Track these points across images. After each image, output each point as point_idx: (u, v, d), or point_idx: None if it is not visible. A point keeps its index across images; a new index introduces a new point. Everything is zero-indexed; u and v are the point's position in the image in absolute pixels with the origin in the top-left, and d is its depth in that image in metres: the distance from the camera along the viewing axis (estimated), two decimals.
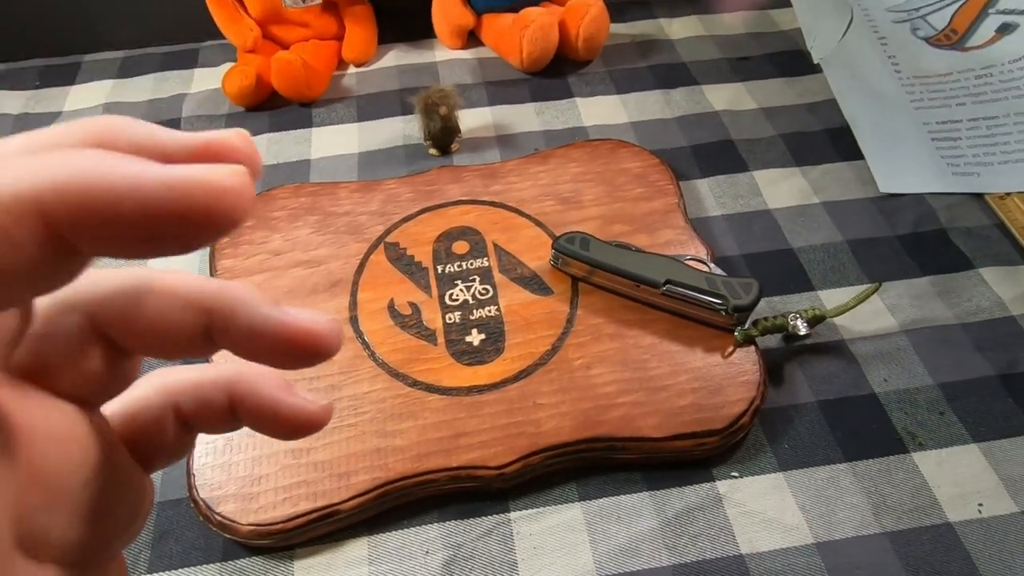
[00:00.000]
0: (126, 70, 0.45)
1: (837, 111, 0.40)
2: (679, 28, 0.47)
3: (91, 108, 0.43)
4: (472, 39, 0.46)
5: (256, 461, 0.25)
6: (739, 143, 0.39)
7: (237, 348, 0.11)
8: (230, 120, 0.41)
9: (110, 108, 0.42)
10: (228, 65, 0.44)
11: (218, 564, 0.25)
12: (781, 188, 0.37)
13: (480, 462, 0.25)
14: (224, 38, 0.45)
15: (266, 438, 0.24)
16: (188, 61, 0.46)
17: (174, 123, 0.41)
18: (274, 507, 0.24)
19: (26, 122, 0.42)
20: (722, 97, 0.42)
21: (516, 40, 0.42)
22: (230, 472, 0.25)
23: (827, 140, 0.39)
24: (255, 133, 0.40)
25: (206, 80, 0.44)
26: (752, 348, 0.28)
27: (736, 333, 0.28)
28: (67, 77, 0.45)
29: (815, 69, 0.43)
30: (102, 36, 0.46)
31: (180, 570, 0.24)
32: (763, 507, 0.25)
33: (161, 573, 0.24)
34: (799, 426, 0.27)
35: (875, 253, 0.33)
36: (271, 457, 0.26)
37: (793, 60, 0.44)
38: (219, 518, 0.24)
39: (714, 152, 0.38)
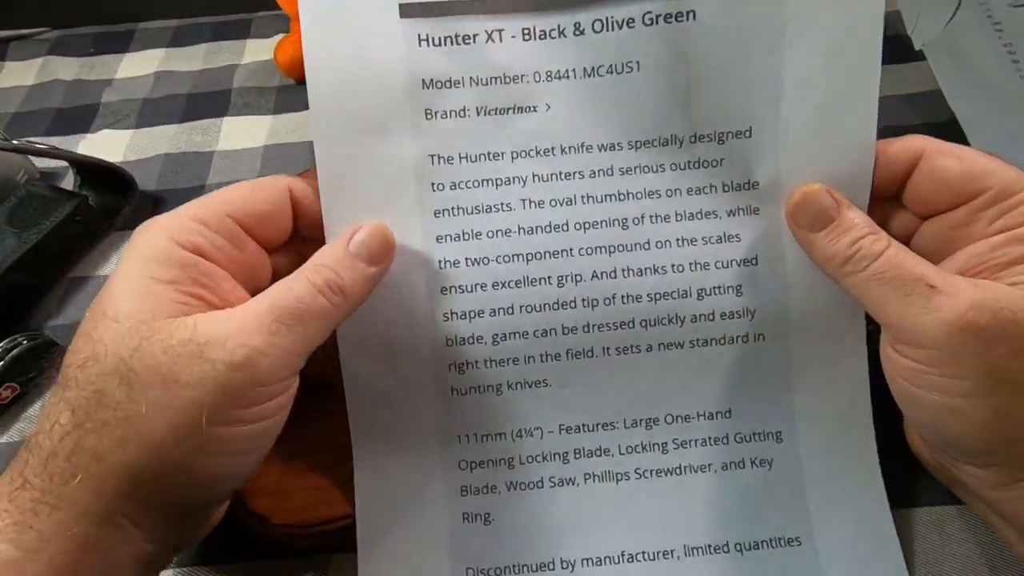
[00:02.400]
0: (178, 39, 0.44)
1: (942, 104, 0.36)
2: None
3: (143, 76, 0.42)
4: None
5: (297, 454, 0.24)
6: None
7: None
8: (281, 92, 0.40)
9: (161, 77, 0.41)
10: (280, 36, 0.43)
11: (246, 564, 0.23)
12: None
13: None
14: (277, 8, 0.44)
15: (304, 433, 0.22)
16: (240, 31, 0.44)
17: (225, 94, 0.40)
18: (310, 508, 0.23)
19: (79, 88, 0.41)
20: None
21: None
22: (265, 466, 0.23)
23: (930, 135, 0.35)
24: (305, 107, 0.38)
25: (258, 51, 0.43)
26: None
27: None
28: (120, 45, 0.44)
29: (916, 56, 0.38)
30: (154, 4, 0.45)
31: (206, 567, 0.23)
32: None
33: (186, 568, 0.23)
34: (900, 459, 0.24)
35: None
36: (311, 454, 0.24)
37: (890, 46, 0.38)
38: (249, 514, 0.22)
39: None
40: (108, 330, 0.16)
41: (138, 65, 0.42)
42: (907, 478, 0.23)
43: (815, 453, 0.21)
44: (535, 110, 0.20)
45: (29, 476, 0.16)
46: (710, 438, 0.22)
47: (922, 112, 0.36)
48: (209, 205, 0.19)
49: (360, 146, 0.20)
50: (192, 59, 0.43)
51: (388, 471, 0.22)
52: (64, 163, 0.35)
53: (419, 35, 0.20)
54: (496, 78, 0.20)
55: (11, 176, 0.33)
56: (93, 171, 0.33)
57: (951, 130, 0.34)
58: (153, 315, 0.16)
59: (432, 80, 0.20)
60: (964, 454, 0.19)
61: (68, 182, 0.35)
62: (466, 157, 0.21)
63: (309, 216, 0.20)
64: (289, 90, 0.40)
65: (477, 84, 0.20)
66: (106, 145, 0.37)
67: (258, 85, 0.40)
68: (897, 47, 0.39)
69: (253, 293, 0.19)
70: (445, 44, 0.20)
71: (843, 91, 0.20)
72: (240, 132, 0.38)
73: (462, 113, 0.20)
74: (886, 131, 0.35)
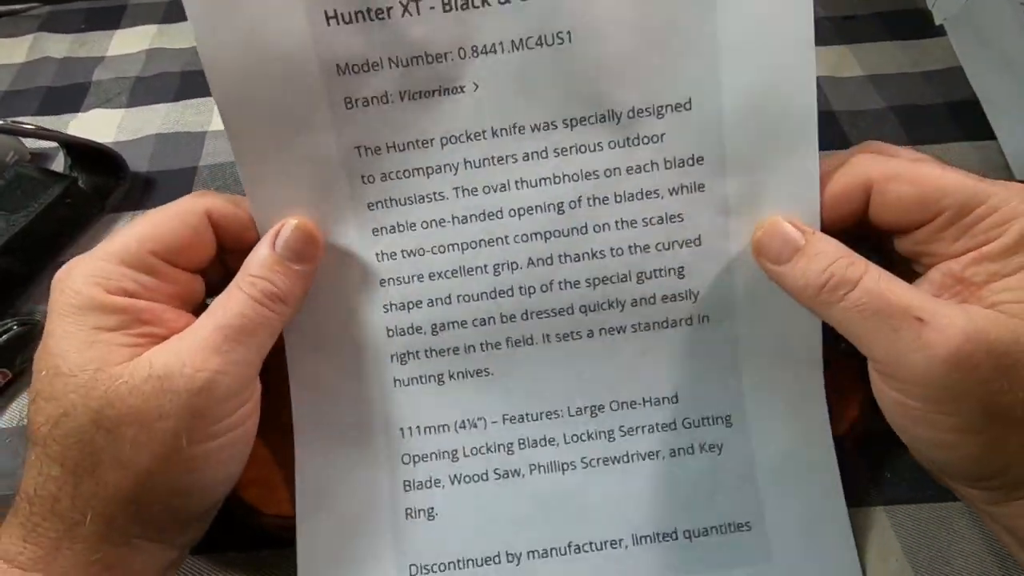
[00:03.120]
0: (170, 15, 0.43)
1: (961, 82, 0.34)
2: None
3: (135, 53, 0.41)
4: None
5: (286, 444, 0.23)
6: (841, 115, 0.34)
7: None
8: None
9: (153, 54, 0.40)
10: None
11: (236, 553, 0.23)
12: None
13: None
14: None
15: (292, 424, 0.22)
16: None
17: None
18: None
19: (70, 66, 0.40)
20: (822, 62, 0.36)
21: None
22: (253, 457, 0.23)
23: (948, 115, 0.33)
24: None
25: None
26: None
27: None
28: (112, 21, 0.43)
29: (936, 32, 0.37)
30: None
31: (196, 556, 0.23)
32: (860, 547, 0.21)
33: None
34: (907, 452, 0.23)
35: None
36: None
37: (908, 20, 0.38)
38: (239, 505, 0.22)
39: None
40: (69, 385, 0.17)
41: (130, 42, 0.41)
42: (912, 474, 0.23)
43: (766, 437, 0.21)
44: (462, 91, 0.19)
45: (38, 521, 0.17)
46: (657, 424, 0.21)
47: (941, 90, 0.34)
48: (129, 246, 0.18)
49: (279, 142, 0.19)
50: (184, 36, 0.41)
51: (331, 466, 0.21)
52: (54, 144, 0.35)
53: (326, 11, 0.18)
54: (417, 57, 0.19)
55: (1, 157, 0.33)
56: (83, 152, 0.32)
57: (971, 109, 0.33)
58: (107, 362, 0.17)
59: (348, 64, 0.19)
60: (955, 479, 0.19)
61: (59, 163, 0.34)
62: (394, 147, 0.20)
63: (232, 233, 0.20)
64: None
65: (397, 65, 0.19)
66: (97, 124, 0.37)
67: None
68: (916, 21, 0.37)
69: (194, 311, 0.19)
70: (357, 20, 0.18)
71: (780, 59, 0.19)
72: None
73: (384, 99, 0.19)
74: (905, 109, 0.34)
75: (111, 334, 0.17)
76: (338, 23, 0.18)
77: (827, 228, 0.19)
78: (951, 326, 0.16)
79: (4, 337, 0.27)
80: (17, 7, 0.44)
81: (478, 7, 0.18)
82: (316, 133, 0.19)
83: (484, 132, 0.19)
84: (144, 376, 0.17)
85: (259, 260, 0.19)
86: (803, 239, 0.18)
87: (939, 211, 0.18)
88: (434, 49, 0.19)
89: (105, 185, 0.33)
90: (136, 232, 0.19)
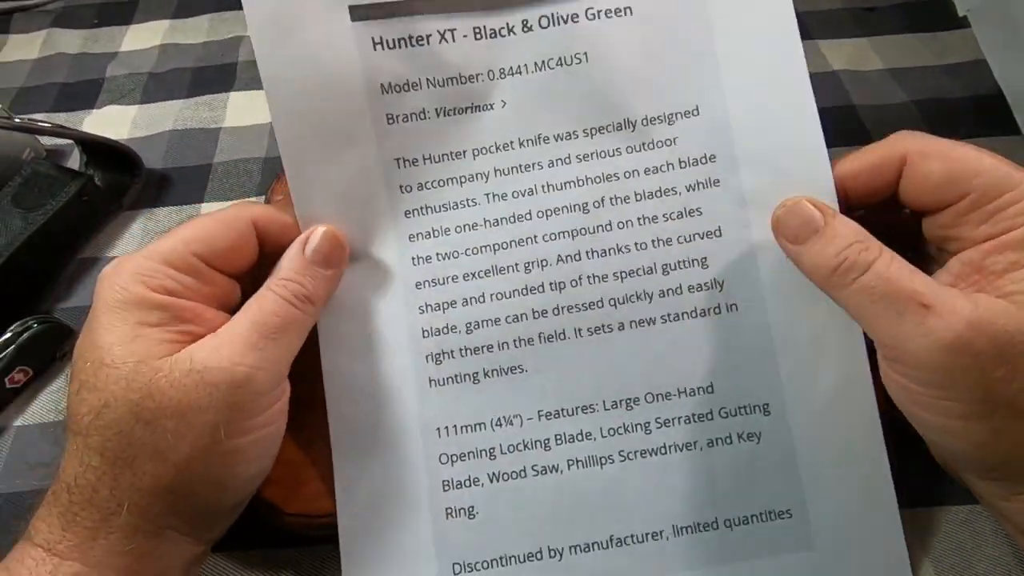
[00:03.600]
0: (182, 9, 0.43)
1: (986, 75, 0.33)
2: None
3: (147, 49, 0.40)
4: None
5: (309, 444, 0.23)
6: (862, 109, 0.33)
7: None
8: None
9: (166, 49, 0.40)
10: None
11: (257, 551, 0.23)
12: None
13: None
14: None
15: (315, 423, 0.22)
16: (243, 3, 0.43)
17: (230, 67, 0.39)
18: (321, 497, 0.22)
19: (83, 62, 0.40)
20: (842, 54, 0.36)
21: None
22: (277, 455, 0.23)
23: (972, 109, 0.33)
24: None
25: None
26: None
27: None
28: (124, 16, 0.43)
29: (959, 23, 0.36)
30: None
31: (218, 553, 0.23)
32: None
33: None
34: (927, 453, 0.23)
35: None
36: (322, 444, 0.23)
37: (930, 11, 0.37)
38: (261, 503, 0.22)
39: (831, 119, 0.31)
40: (111, 376, 0.17)
41: (143, 37, 0.41)
42: (934, 476, 0.22)
43: (807, 423, 0.21)
44: (492, 107, 0.21)
45: (77, 511, 0.18)
46: (693, 415, 0.21)
47: (964, 84, 0.34)
48: (176, 247, 0.19)
49: (327, 156, 0.21)
50: (196, 31, 0.41)
51: (370, 468, 0.21)
52: (69, 141, 0.35)
53: (372, 38, 0.20)
54: (452, 78, 0.21)
55: (16, 154, 0.33)
56: (99, 149, 0.32)
57: (996, 103, 0.32)
58: (149, 355, 0.18)
59: (391, 84, 0.21)
60: (963, 467, 0.19)
61: (74, 160, 0.34)
62: (430, 158, 0.21)
63: (275, 243, 0.21)
64: None
65: (434, 85, 0.21)
66: (112, 121, 0.37)
67: None
68: (938, 13, 0.37)
69: (229, 312, 0.20)
70: (399, 46, 0.21)
71: (773, 60, 0.21)
72: (246, 108, 0.37)
73: (422, 115, 0.21)
74: (928, 104, 0.34)
75: (153, 329, 0.18)
76: (383, 48, 0.21)
77: (860, 201, 0.20)
78: (954, 313, 0.16)
79: (25, 335, 0.27)
80: (30, 2, 0.44)
81: (505, 35, 0.21)
82: (360, 146, 0.21)
83: (512, 143, 0.22)
84: (185, 370, 0.17)
85: (290, 264, 0.20)
86: (823, 220, 0.19)
87: (966, 192, 0.18)
88: (467, 71, 0.21)
89: (121, 182, 0.33)
90: (182, 235, 0.20)
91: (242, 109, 0.36)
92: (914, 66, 0.35)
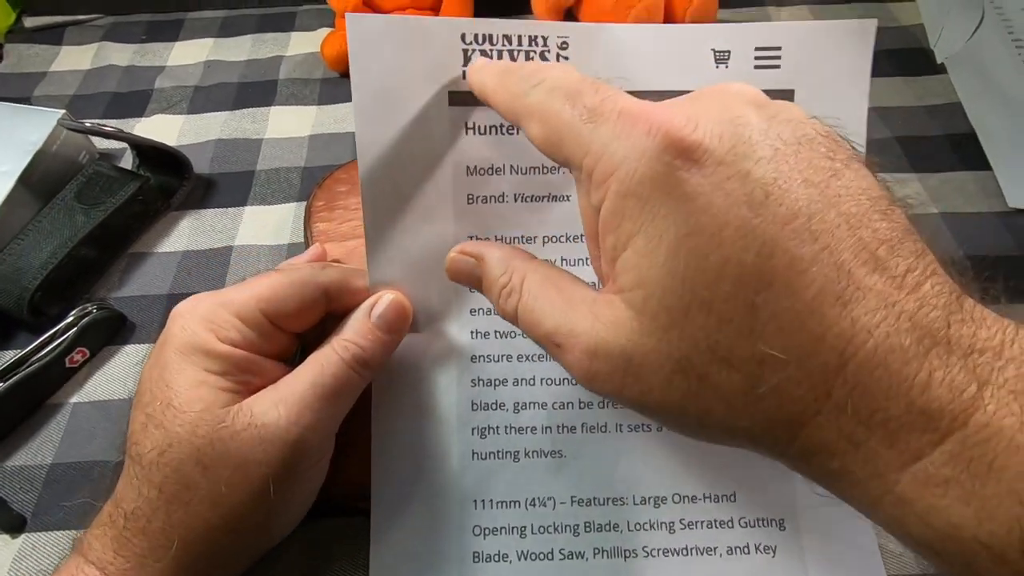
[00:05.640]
0: (226, 29, 0.46)
1: (961, 117, 0.37)
2: (788, 17, 0.44)
3: (193, 64, 0.43)
4: (569, 17, 0.45)
5: (352, 424, 0.25)
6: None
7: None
8: (325, 84, 0.42)
9: (211, 65, 0.43)
10: (324, 30, 0.45)
11: (308, 523, 0.25)
12: (895, 193, 0.34)
13: None
14: (321, 2, 0.45)
15: (363, 404, 0.24)
16: (285, 24, 0.46)
17: (271, 84, 0.42)
18: (365, 474, 0.24)
19: (133, 74, 0.43)
20: None
21: (619, 21, 0.40)
22: None
23: (948, 147, 0.36)
24: (348, 99, 0.40)
25: (302, 44, 0.44)
26: None
27: None
28: (171, 33, 0.46)
29: (938, 70, 0.40)
30: None
31: None
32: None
33: None
34: None
35: (999, 273, 0.31)
36: (367, 417, 0.25)
37: (913, 58, 0.41)
38: None
39: None
40: (176, 419, 0.19)
41: (188, 53, 0.44)
42: None
43: (816, 541, 0.22)
44: (568, 199, 0.22)
45: (130, 537, 0.19)
46: (716, 520, 0.22)
47: (941, 123, 0.37)
48: (248, 302, 0.20)
49: (407, 227, 0.22)
50: (239, 49, 0.44)
51: (405, 529, 0.22)
52: (120, 144, 0.37)
53: (466, 123, 0.21)
54: (534, 168, 0.22)
55: (74, 156, 0.35)
56: (151, 153, 0.35)
57: (969, 142, 0.36)
58: (213, 403, 0.19)
59: (476, 167, 0.22)
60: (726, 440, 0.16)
61: (125, 163, 0.37)
62: (501, 238, 0.22)
63: (342, 307, 0.22)
64: (332, 83, 0.42)
65: (516, 172, 0.22)
66: (160, 129, 0.39)
67: (303, 77, 0.42)
68: (920, 60, 0.41)
69: (286, 360, 0.21)
70: (489, 133, 0.21)
71: None
72: (286, 121, 0.39)
73: (501, 199, 0.22)
74: (906, 141, 0.37)
75: (216, 377, 0.19)
76: (475, 133, 0.21)
77: None
78: (577, 344, 0.15)
79: (85, 320, 0.29)
80: (82, 17, 0.47)
81: None
82: (438, 222, 0.22)
83: (581, 236, 0.22)
84: (245, 424, 0.19)
85: (355, 327, 0.21)
86: (480, 268, 0.19)
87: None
88: (548, 163, 0.20)
89: (171, 184, 0.35)
90: (255, 291, 0.21)
91: (283, 123, 0.39)
92: (898, 106, 0.39)
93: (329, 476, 0.24)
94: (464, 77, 0.21)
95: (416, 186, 0.21)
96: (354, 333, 0.21)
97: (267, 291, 0.21)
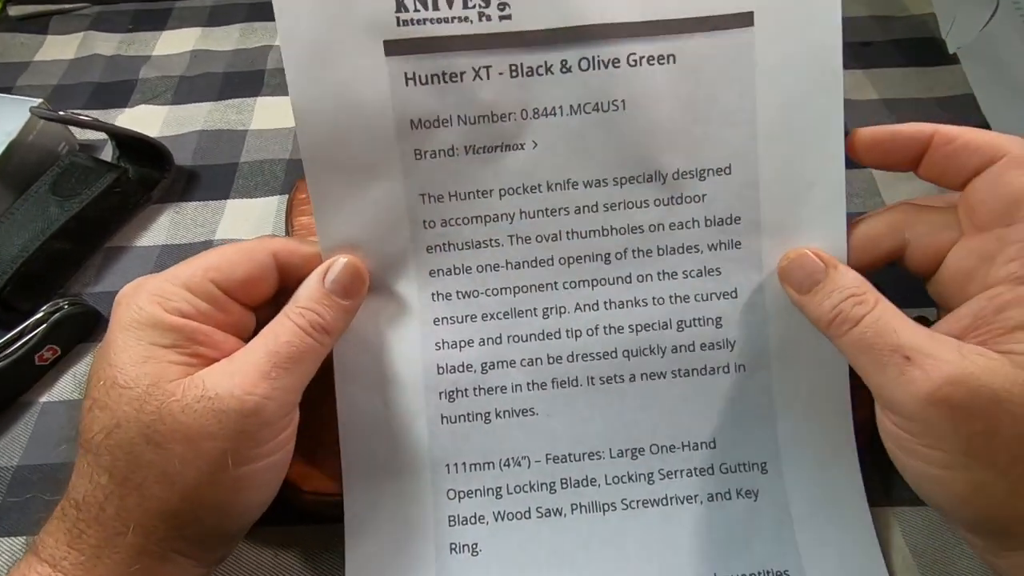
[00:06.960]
0: (213, 18, 0.45)
1: (974, 108, 0.36)
2: None
3: (179, 54, 0.42)
4: None
5: (326, 423, 0.24)
6: None
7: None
8: None
9: (197, 55, 0.42)
10: None
11: (275, 528, 0.24)
12: (902, 189, 0.33)
13: None
14: None
15: (335, 403, 0.23)
16: (273, 14, 0.45)
17: (259, 74, 0.41)
18: (339, 476, 0.23)
19: (118, 63, 0.42)
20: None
21: None
22: (296, 434, 0.24)
23: None
24: None
25: None
26: None
27: None
28: (158, 22, 0.45)
29: (950, 60, 0.38)
30: None
31: None
32: None
33: None
34: None
35: None
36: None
37: (924, 48, 0.40)
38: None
39: None
40: (122, 397, 0.18)
41: (175, 43, 0.43)
42: None
43: (801, 484, 0.22)
44: (522, 147, 0.21)
45: (83, 528, 0.18)
46: (695, 468, 0.22)
47: (953, 115, 0.36)
48: (195, 272, 0.19)
49: (353, 188, 0.21)
50: (227, 39, 0.43)
51: (378, 499, 0.22)
52: (101, 136, 0.36)
53: (405, 74, 0.20)
54: (483, 116, 0.20)
55: (52, 147, 0.34)
56: (132, 144, 0.34)
57: None
58: (161, 378, 0.18)
59: (420, 120, 0.20)
60: (953, 520, 0.19)
61: (106, 154, 0.36)
62: (456, 195, 0.21)
63: (296, 274, 0.21)
64: None
65: (465, 123, 0.21)
66: (143, 119, 0.38)
67: None
68: (931, 50, 0.39)
69: (242, 338, 0.20)
70: (432, 82, 0.20)
71: (811, 135, 0.21)
72: (272, 113, 0.38)
73: (451, 152, 0.21)
74: None
75: (166, 351, 0.18)
76: (416, 84, 0.20)
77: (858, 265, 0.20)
78: (936, 367, 0.16)
79: (56, 316, 0.28)
80: (68, 6, 0.46)
81: (542, 75, 0.20)
82: (386, 180, 0.21)
83: (540, 186, 0.21)
84: (196, 396, 0.18)
85: (309, 293, 0.20)
86: (824, 272, 0.19)
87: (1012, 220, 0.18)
88: (499, 110, 0.20)
89: (151, 176, 0.34)
90: (203, 262, 0.20)
91: (269, 113, 0.38)
92: (907, 97, 0.37)
93: (303, 479, 0.23)
94: (398, 24, 0.19)
95: (359, 144, 0.20)
96: (308, 299, 0.20)
97: (215, 259, 0.20)
